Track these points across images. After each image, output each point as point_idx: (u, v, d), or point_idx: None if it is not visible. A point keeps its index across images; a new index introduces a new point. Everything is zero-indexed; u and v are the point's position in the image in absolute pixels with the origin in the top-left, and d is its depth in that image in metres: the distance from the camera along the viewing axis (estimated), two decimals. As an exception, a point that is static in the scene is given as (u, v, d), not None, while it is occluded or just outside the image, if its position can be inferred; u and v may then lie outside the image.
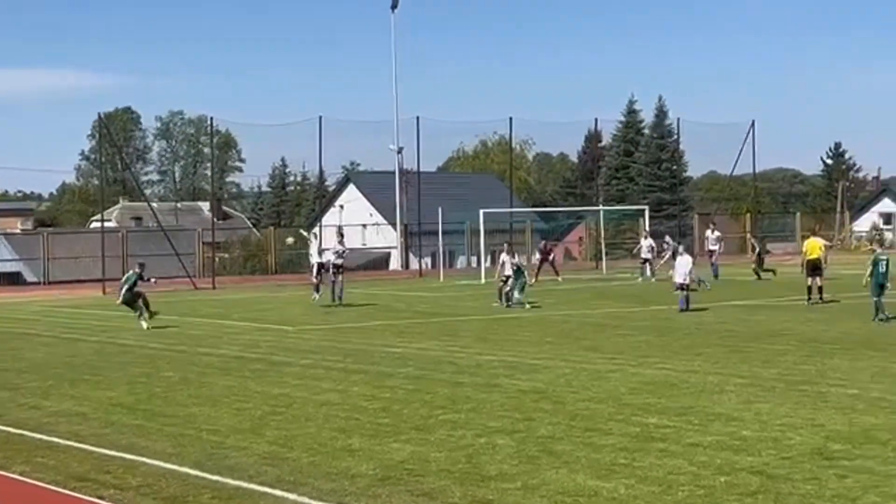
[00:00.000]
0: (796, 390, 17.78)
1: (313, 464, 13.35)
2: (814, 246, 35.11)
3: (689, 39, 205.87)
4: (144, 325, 31.00)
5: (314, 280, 38.42)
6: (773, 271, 47.87)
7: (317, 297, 37.71)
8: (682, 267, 33.37)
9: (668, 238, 52.28)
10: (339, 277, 37.92)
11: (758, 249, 49.66)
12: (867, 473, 12.16)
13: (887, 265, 29.05)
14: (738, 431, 14.55)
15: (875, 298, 28.89)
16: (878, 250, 30.29)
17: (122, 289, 32.01)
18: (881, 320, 28.24)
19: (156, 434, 15.53)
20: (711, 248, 51.59)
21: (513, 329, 29.18)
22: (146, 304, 31.65)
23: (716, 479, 12.03)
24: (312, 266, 39.15)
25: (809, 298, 34.35)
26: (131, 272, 32.51)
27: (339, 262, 38.25)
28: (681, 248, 35.71)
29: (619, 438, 14.26)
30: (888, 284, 29.08)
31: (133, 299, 31.58)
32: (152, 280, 33.11)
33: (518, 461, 13.15)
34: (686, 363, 21.42)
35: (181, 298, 44.83)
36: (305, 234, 61.40)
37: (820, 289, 34.46)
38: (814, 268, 34.63)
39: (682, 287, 33.02)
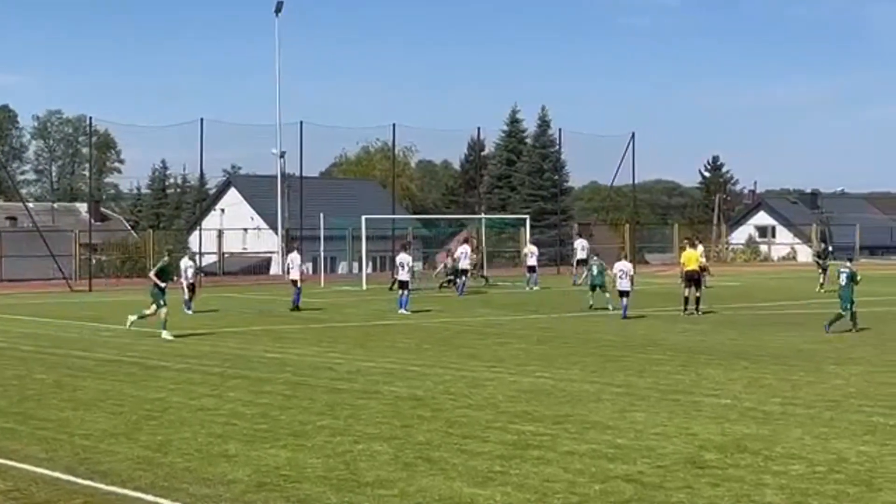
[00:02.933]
0: (671, 400, 18.03)
1: (188, 469, 13.19)
2: (691, 257, 35.60)
3: (572, 51, 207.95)
4: (167, 334, 28.17)
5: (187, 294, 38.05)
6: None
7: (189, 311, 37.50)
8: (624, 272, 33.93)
9: (531, 247, 52.40)
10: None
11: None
12: (739, 482, 12.36)
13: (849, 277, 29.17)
14: (613, 440, 14.70)
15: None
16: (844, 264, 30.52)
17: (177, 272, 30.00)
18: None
19: (27, 438, 15.24)
20: (580, 257, 52.43)
21: (392, 336, 29.17)
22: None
23: (590, 487, 12.13)
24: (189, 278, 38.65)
25: (686, 309, 34.83)
26: (167, 259, 30.98)
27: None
28: (622, 254, 36.00)
29: (495, 446, 14.32)
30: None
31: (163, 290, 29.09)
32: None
33: (395, 468, 13.14)
34: (563, 372, 21.59)
35: (56, 300, 44.11)
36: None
37: (697, 299, 34.97)
38: (690, 278, 35.14)
39: (625, 293, 33.52)
